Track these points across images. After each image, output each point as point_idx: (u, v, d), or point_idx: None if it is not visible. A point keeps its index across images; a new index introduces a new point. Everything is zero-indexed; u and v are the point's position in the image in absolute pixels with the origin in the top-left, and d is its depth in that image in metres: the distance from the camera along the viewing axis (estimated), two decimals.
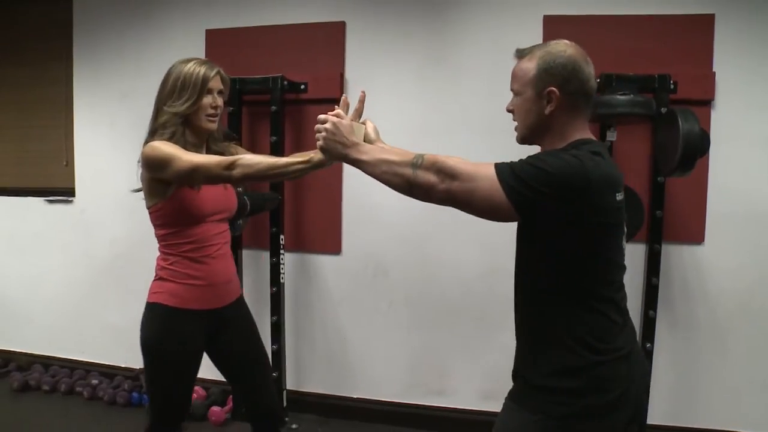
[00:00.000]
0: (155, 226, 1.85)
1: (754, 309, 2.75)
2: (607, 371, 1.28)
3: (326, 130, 1.45)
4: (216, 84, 1.84)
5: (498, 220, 1.29)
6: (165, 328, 1.81)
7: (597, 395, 1.27)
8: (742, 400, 2.78)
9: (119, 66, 3.42)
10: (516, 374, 1.42)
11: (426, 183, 1.27)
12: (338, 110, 1.52)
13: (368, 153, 1.40)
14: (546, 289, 1.33)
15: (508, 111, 1.44)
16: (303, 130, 3.10)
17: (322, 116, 1.48)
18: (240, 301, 2.03)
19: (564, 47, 1.34)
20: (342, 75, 3.06)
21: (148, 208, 1.83)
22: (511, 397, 1.40)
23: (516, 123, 1.42)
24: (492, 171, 1.23)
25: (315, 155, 1.59)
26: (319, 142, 1.47)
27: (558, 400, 1.28)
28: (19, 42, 3.73)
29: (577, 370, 1.28)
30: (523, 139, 1.41)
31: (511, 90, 1.41)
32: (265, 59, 3.12)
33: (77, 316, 3.61)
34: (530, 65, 1.34)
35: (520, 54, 1.40)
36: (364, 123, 1.61)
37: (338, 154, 1.45)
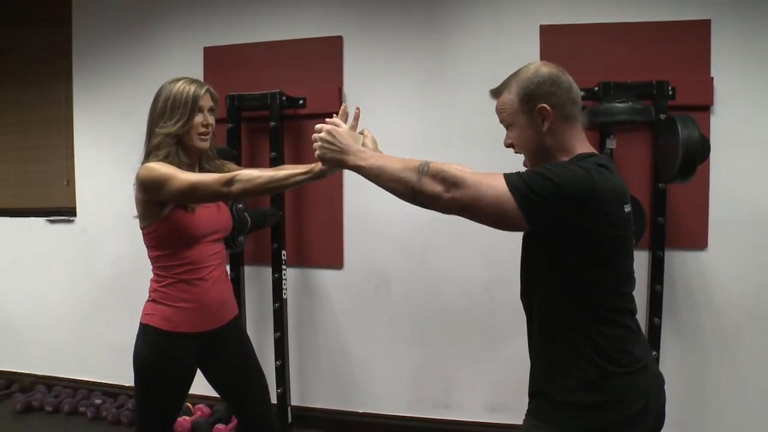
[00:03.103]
0: (149, 247, 1.84)
1: (759, 314, 2.73)
2: (628, 384, 1.28)
3: (321, 138, 1.44)
4: (206, 102, 1.84)
5: (503, 229, 1.27)
6: (156, 351, 1.80)
7: (619, 409, 1.26)
8: (751, 407, 2.75)
9: (119, 85, 3.44)
10: (535, 392, 1.40)
11: (431, 191, 1.25)
12: (335, 119, 1.51)
13: (369, 159, 1.38)
14: (561, 304, 1.31)
15: (507, 146, 1.43)
16: (302, 145, 3.10)
17: (318, 126, 1.47)
18: (236, 321, 2.01)
19: (535, 67, 1.36)
20: (340, 89, 3.07)
21: (141, 229, 1.82)
22: (532, 414, 1.38)
23: (520, 154, 1.42)
24: (501, 179, 1.23)
25: (315, 165, 1.59)
26: (317, 152, 1.46)
27: (580, 415, 1.27)
28: (19, 64, 3.76)
29: (598, 383, 1.27)
30: (533, 167, 1.39)
31: (503, 124, 1.41)
32: (263, 75, 3.14)
33: (80, 336, 3.61)
34: (511, 96, 1.36)
35: (496, 92, 1.41)
36: (362, 133, 1.61)
37: (336, 161, 1.44)
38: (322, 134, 1.44)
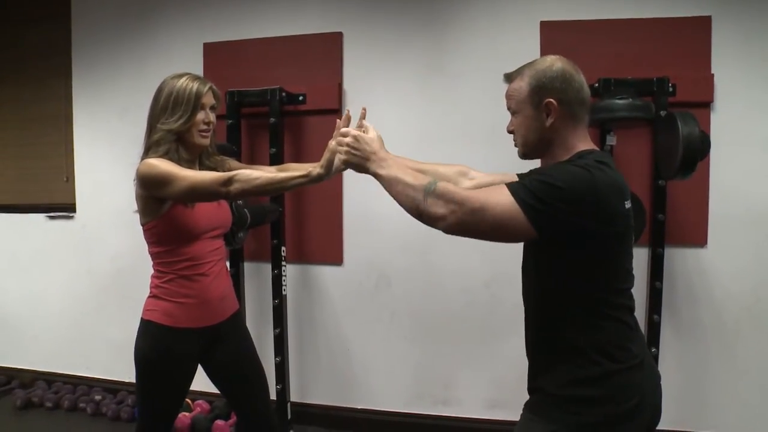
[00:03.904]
0: (149, 243, 1.84)
1: (759, 311, 2.73)
2: (624, 379, 1.28)
3: (348, 144, 1.46)
4: (208, 100, 1.84)
5: (510, 241, 1.29)
6: (158, 346, 1.81)
7: (615, 404, 1.27)
8: (751, 404, 2.75)
9: (118, 82, 3.43)
10: (533, 388, 1.41)
11: (435, 213, 1.26)
12: (365, 124, 1.54)
13: (387, 168, 1.39)
14: (560, 300, 1.32)
15: (509, 132, 1.44)
16: (302, 141, 3.10)
17: (345, 130, 1.50)
18: (236, 316, 2.02)
19: (551, 61, 1.37)
20: (340, 86, 3.07)
21: (142, 225, 1.82)
22: (529, 408, 1.39)
23: (516, 141, 1.43)
24: (506, 193, 1.23)
25: (313, 170, 1.59)
26: (343, 157, 1.48)
27: (577, 410, 1.28)
28: (19, 60, 3.75)
29: (595, 378, 1.28)
30: (524, 155, 1.42)
31: (509, 110, 1.42)
32: (263, 71, 3.13)
33: (80, 332, 3.61)
34: (522, 84, 1.37)
35: (509, 78, 1.42)
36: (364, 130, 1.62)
37: (360, 166, 1.46)
38: (348, 139, 1.46)
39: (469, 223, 1.24)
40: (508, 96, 1.41)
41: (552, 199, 1.19)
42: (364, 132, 1.55)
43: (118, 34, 3.42)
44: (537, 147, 1.38)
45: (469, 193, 1.25)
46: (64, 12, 3.52)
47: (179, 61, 3.14)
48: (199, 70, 3.18)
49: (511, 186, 1.24)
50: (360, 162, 1.45)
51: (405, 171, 1.38)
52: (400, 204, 1.34)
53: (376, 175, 1.41)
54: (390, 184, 1.36)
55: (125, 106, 3.36)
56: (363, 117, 1.64)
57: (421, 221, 1.32)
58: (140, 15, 3.38)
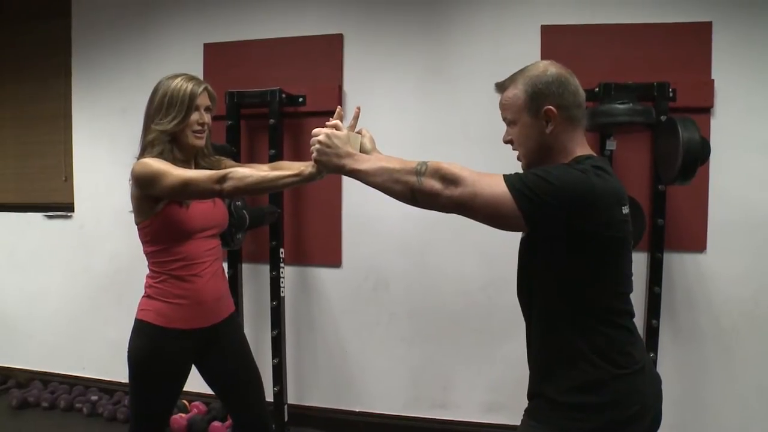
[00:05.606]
0: (144, 243, 1.84)
1: (758, 316, 2.73)
2: (627, 385, 1.27)
3: (320, 142, 1.43)
4: (203, 101, 1.84)
5: (502, 228, 1.27)
6: (151, 346, 1.80)
7: (618, 410, 1.26)
8: (750, 409, 2.74)
9: (118, 81, 3.43)
10: (534, 393, 1.39)
11: (431, 190, 1.25)
12: (335, 121, 1.50)
13: (366, 162, 1.37)
14: (561, 305, 1.31)
15: (506, 142, 1.42)
16: (301, 142, 3.09)
17: (316, 129, 1.46)
18: (232, 318, 2.01)
19: (544, 66, 1.34)
20: (340, 87, 3.06)
21: (136, 224, 1.82)
22: (530, 414, 1.38)
23: (517, 152, 1.41)
24: (499, 178, 1.22)
25: (306, 168, 1.56)
26: (314, 155, 1.45)
27: (579, 416, 1.27)
28: (18, 59, 3.75)
29: (598, 385, 1.26)
30: (528, 166, 1.38)
31: (504, 120, 1.40)
32: (263, 72, 3.13)
33: (77, 332, 3.60)
34: (517, 92, 1.34)
35: (502, 86, 1.39)
36: (359, 133, 1.60)
37: (334, 165, 1.42)
38: (321, 137, 1.43)
39: (464, 199, 1.22)
40: (503, 106, 1.38)
41: (542, 192, 1.18)
42: (358, 133, 1.54)
43: (119, 33, 3.42)
44: (538, 155, 1.36)
45: (463, 171, 1.24)
46: (64, 11, 3.52)
47: (179, 62, 3.13)
48: (199, 71, 3.18)
49: (506, 174, 1.23)
50: (332, 161, 1.41)
51: (388, 160, 1.36)
52: (389, 192, 1.32)
53: (354, 171, 1.38)
54: (375, 176, 1.33)
55: (125, 106, 3.36)
56: (356, 117, 1.63)
57: (415, 204, 1.30)
58: (141, 14, 3.38)
